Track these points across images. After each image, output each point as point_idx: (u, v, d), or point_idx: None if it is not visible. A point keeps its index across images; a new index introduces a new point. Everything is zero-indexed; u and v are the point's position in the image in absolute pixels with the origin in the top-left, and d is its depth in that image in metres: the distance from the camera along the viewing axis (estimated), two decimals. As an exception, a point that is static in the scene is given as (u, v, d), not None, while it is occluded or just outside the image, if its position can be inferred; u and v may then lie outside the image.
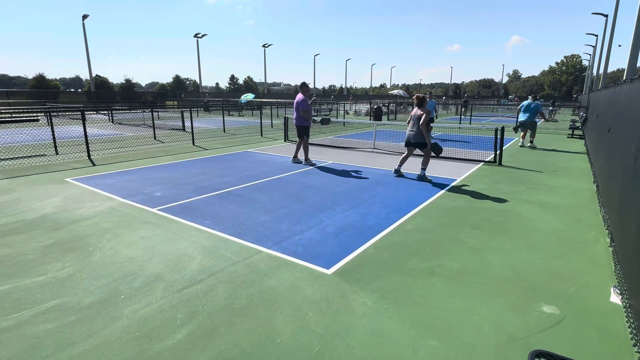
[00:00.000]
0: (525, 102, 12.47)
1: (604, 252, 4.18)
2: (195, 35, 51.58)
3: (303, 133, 8.88)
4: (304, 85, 8.91)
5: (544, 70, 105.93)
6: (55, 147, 10.54)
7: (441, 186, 7.02)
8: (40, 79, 50.13)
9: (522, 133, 12.76)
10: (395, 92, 39.36)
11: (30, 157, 9.58)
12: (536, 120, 12.44)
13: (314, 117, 9.04)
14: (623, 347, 2.62)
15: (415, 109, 7.37)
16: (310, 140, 14.13)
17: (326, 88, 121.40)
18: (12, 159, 9.36)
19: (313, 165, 8.93)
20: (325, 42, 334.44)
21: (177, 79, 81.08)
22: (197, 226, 4.85)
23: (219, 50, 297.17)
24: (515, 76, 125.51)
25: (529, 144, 12.48)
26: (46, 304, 3.09)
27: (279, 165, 8.89)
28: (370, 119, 22.57)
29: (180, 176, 7.68)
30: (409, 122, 7.51)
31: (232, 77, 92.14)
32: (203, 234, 4.59)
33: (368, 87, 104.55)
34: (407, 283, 3.47)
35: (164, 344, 2.61)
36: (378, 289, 3.35)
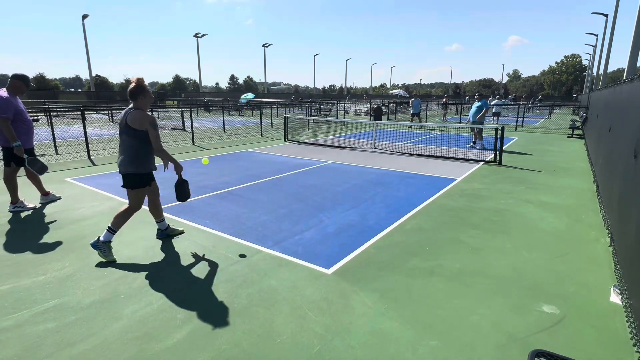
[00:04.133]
0: (478, 103, 12.18)
1: (604, 252, 4.18)
2: (195, 35, 51.58)
3: (10, 159, 5.26)
4: (19, 77, 5.19)
5: (544, 70, 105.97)
6: (55, 147, 10.54)
7: (441, 186, 7.01)
8: (40, 79, 50.19)
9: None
10: (395, 92, 39.35)
11: (30, 157, 9.57)
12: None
13: (18, 145, 5.06)
14: (623, 347, 2.62)
15: (126, 110, 3.81)
16: (310, 140, 14.30)
17: (326, 88, 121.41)
18: (12, 158, 9.34)
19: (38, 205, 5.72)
20: (325, 42, 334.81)
21: (177, 79, 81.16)
22: (197, 226, 4.85)
23: (219, 50, 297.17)
24: (515, 76, 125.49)
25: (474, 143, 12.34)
26: (46, 304, 3.09)
27: (279, 165, 8.89)
28: (370, 119, 22.56)
29: (180, 176, 7.68)
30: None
31: (232, 77, 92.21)
32: (203, 234, 4.59)
33: (368, 86, 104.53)
34: (407, 283, 3.47)
35: (164, 344, 2.61)
36: (378, 289, 3.35)
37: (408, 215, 5.31)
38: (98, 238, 3.89)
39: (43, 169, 5.48)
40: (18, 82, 5.16)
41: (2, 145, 5.18)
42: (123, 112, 3.85)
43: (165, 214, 5.28)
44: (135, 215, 5.26)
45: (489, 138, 12.01)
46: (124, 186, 3.96)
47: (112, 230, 3.90)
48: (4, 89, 5.10)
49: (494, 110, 23.76)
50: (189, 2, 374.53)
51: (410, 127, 17.59)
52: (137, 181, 3.89)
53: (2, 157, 5.37)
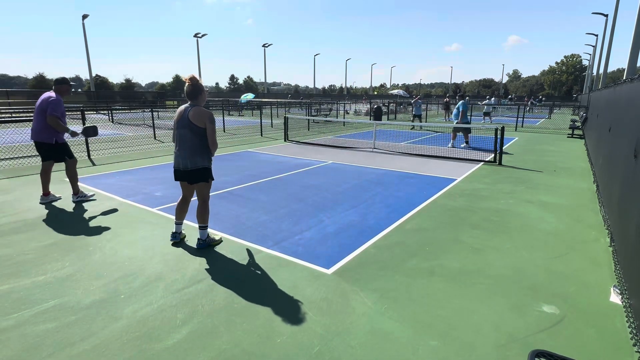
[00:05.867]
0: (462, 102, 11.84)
1: (604, 252, 4.18)
2: (195, 35, 51.57)
3: (52, 155, 5.74)
4: (63, 81, 5.71)
5: (544, 70, 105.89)
6: (55, 147, 10.53)
7: (441, 186, 7.01)
8: (40, 79, 50.17)
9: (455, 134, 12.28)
10: (395, 92, 39.39)
11: (30, 157, 9.56)
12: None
13: (74, 129, 5.74)
14: (623, 347, 2.62)
15: (186, 107, 3.97)
16: (310, 140, 14.25)
17: (326, 88, 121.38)
18: (12, 158, 9.35)
19: (85, 198, 5.98)
20: (325, 42, 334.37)
21: (177, 79, 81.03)
22: (197, 226, 4.83)
23: (219, 50, 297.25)
24: (515, 76, 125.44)
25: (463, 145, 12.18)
26: (46, 304, 3.08)
27: (279, 165, 8.89)
28: (370, 119, 22.57)
29: (180, 176, 7.67)
30: (175, 138, 4.09)
31: (232, 77, 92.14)
32: (203, 234, 4.58)
33: (368, 87, 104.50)
34: (407, 283, 3.47)
35: (164, 344, 2.61)
36: (378, 289, 3.35)
37: (408, 215, 5.31)
38: (199, 239, 4.17)
39: (95, 130, 6.08)
40: (65, 86, 5.70)
41: (44, 140, 5.59)
42: (182, 108, 4.00)
43: (165, 214, 5.29)
44: (134, 215, 5.28)
45: (489, 138, 12.00)
46: (194, 181, 4.05)
47: (204, 226, 4.18)
48: (53, 92, 5.60)
49: (484, 110, 23.78)
50: (189, 2, 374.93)
51: (412, 127, 17.90)
52: (210, 173, 4.11)
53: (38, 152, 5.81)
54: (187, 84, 3.91)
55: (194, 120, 3.85)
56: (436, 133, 16.35)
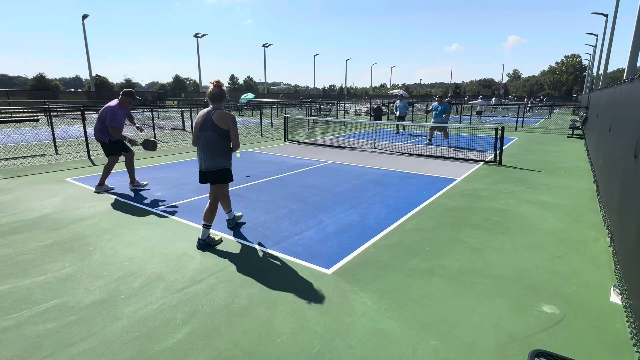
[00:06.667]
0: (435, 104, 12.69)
1: (604, 252, 4.18)
2: (195, 35, 51.58)
3: (112, 151, 6.45)
4: (127, 93, 6.33)
5: (544, 70, 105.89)
6: (55, 147, 10.54)
7: (441, 186, 7.01)
8: (40, 79, 50.20)
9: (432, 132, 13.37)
10: (395, 91, 39.38)
11: (30, 157, 9.58)
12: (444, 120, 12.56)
13: (133, 138, 6.52)
14: (623, 347, 2.62)
15: (209, 110, 4.07)
16: (310, 140, 14.26)
17: (326, 88, 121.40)
18: (12, 159, 9.35)
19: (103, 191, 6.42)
20: (325, 42, 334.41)
21: (177, 79, 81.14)
22: (197, 226, 4.84)
23: (219, 50, 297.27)
24: (515, 76, 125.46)
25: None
26: (46, 303, 3.09)
27: (279, 165, 8.89)
28: (370, 119, 22.56)
29: (180, 176, 7.68)
30: (196, 139, 4.18)
31: (232, 77, 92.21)
32: (203, 234, 4.58)
33: (368, 86, 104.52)
34: (407, 283, 3.47)
35: (164, 344, 2.61)
36: (378, 289, 3.35)
37: (408, 215, 5.31)
38: (199, 239, 4.18)
39: (155, 145, 6.70)
40: (127, 99, 6.30)
41: (100, 139, 6.27)
42: (205, 111, 4.10)
43: (165, 214, 5.29)
44: (134, 215, 5.28)
45: (489, 138, 12.00)
46: (215, 182, 4.19)
47: (208, 225, 4.21)
48: (117, 101, 6.26)
49: (477, 110, 23.99)
50: (188, 2, 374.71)
51: (398, 130, 16.75)
52: (230, 174, 4.28)
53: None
54: (213, 86, 4.02)
55: (218, 123, 3.98)
56: (441, 132, 16.34)
